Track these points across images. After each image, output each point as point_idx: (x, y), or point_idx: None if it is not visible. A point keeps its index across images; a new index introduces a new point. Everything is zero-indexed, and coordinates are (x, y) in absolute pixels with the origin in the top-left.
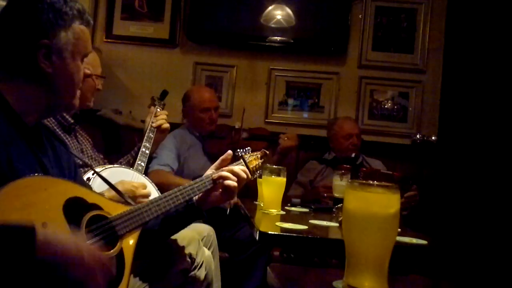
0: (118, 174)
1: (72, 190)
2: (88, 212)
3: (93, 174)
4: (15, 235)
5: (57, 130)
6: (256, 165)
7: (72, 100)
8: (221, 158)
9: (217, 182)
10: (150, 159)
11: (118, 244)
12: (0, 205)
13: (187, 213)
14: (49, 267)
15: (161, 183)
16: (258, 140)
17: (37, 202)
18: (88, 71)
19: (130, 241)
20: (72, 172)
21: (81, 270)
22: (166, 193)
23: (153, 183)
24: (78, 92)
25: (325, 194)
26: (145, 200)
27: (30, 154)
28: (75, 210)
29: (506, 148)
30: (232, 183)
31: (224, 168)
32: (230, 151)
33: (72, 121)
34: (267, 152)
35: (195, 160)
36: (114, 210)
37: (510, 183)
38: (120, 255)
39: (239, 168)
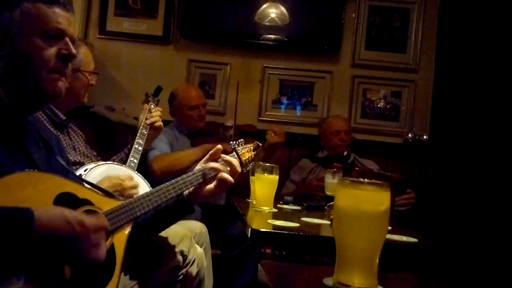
0: (111, 171)
1: (62, 185)
2: (79, 208)
3: (85, 171)
4: (13, 212)
5: (49, 127)
6: (249, 157)
7: (39, 82)
8: (210, 152)
9: (210, 175)
10: (143, 156)
11: (109, 239)
12: None
13: (177, 208)
14: (46, 242)
15: (167, 165)
16: (246, 137)
17: (27, 199)
18: (65, 51)
19: (121, 236)
20: (65, 169)
21: (76, 244)
22: (157, 187)
23: (142, 177)
24: (59, 77)
25: (318, 188)
26: (134, 191)
27: (20, 151)
28: (66, 205)
29: (497, 147)
30: (226, 175)
31: (220, 160)
32: (219, 146)
33: (64, 118)
34: (260, 144)
35: None
36: (105, 205)
37: (501, 182)
38: (111, 250)
39: (232, 159)
